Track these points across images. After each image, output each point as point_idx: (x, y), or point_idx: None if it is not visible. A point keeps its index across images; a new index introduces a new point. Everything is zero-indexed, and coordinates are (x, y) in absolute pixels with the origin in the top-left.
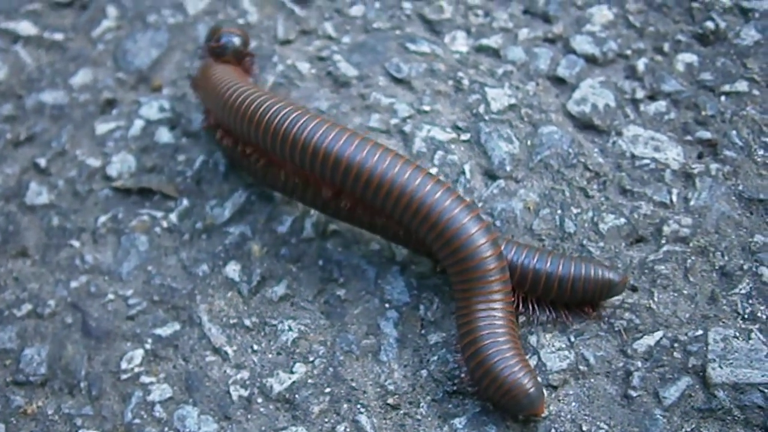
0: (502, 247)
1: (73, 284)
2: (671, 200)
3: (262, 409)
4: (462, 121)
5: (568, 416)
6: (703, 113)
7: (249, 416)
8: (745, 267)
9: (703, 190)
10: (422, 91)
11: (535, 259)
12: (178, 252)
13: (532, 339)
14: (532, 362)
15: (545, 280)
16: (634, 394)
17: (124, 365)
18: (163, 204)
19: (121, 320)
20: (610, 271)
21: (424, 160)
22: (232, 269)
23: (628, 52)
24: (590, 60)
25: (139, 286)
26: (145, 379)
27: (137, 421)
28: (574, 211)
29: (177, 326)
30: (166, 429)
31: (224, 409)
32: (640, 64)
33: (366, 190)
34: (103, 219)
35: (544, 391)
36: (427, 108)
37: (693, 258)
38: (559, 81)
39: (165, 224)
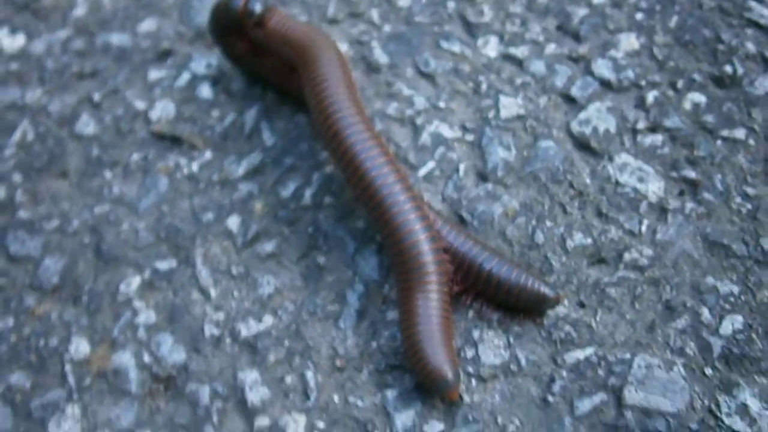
0: (460, 240)
1: (97, 210)
2: (640, 230)
3: (228, 349)
4: (471, 122)
5: (488, 407)
6: (695, 153)
7: (215, 353)
8: (689, 304)
9: (672, 226)
10: (443, 88)
11: (482, 258)
12: (192, 198)
13: (476, 333)
14: (470, 353)
15: (486, 279)
16: (551, 399)
17: (122, 288)
18: (189, 153)
19: (129, 249)
20: (546, 287)
21: (425, 153)
22: (233, 221)
23: (643, 82)
24: (605, 84)
25: (152, 221)
26: (136, 303)
27: (121, 338)
28: (548, 224)
29: (174, 263)
30: (143, 349)
31: (196, 343)
32: (650, 96)
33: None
34: (135, 157)
35: (473, 380)
36: (442, 105)
37: (644, 287)
38: (569, 99)
39: (186, 171)
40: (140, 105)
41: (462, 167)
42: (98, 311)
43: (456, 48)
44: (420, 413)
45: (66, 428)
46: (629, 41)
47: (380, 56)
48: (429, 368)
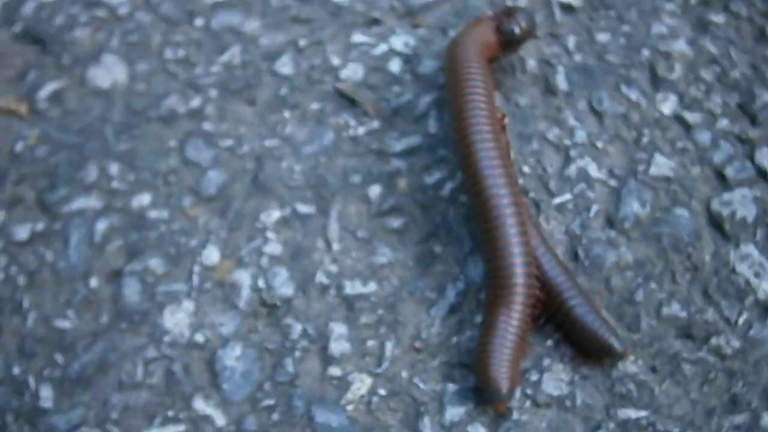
0: (556, 270)
1: (267, 142)
2: (736, 321)
3: (329, 299)
4: (619, 169)
5: (532, 430)
6: None
7: (318, 299)
8: (753, 405)
9: None
10: (606, 129)
11: (568, 294)
12: (348, 158)
13: (546, 361)
14: (534, 377)
15: (564, 313)
16: None
17: (263, 217)
18: (360, 117)
19: (281, 185)
20: (616, 340)
21: (566, 184)
22: (375, 190)
23: None
24: (761, 173)
25: (307, 167)
26: (269, 234)
27: (247, 259)
28: (653, 286)
29: (313, 209)
30: (261, 275)
31: (305, 285)
32: None
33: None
34: (315, 106)
35: (527, 402)
36: (600, 144)
37: (718, 374)
38: (721, 177)
39: (352, 133)
40: (335, 61)
41: (594, 208)
42: (237, 230)
43: (634, 95)
44: (470, 413)
45: (177, 318)
46: None
47: (561, 82)
48: (488, 376)
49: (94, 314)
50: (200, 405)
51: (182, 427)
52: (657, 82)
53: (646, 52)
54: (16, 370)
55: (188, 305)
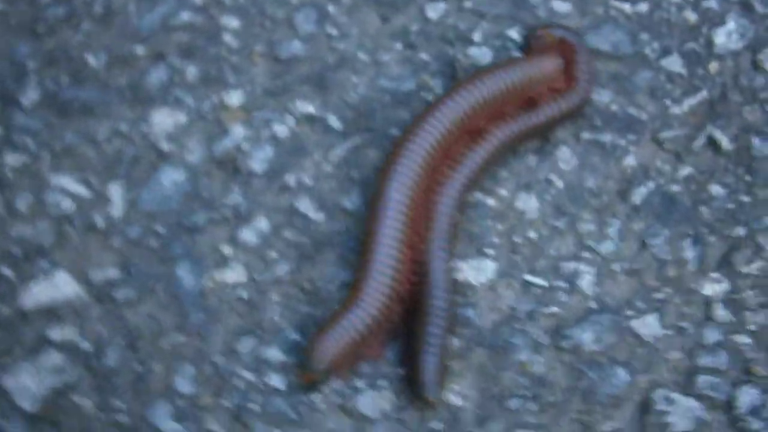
0: (440, 293)
1: (360, 54)
2: None
3: (280, 198)
4: (612, 300)
5: (314, 421)
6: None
7: (273, 192)
8: None
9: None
10: (633, 260)
11: (435, 321)
12: (404, 111)
13: (382, 382)
14: (359, 385)
15: (418, 330)
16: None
17: (298, 104)
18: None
19: (336, 92)
20: (433, 384)
21: (554, 234)
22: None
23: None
24: (729, 406)
25: (369, 96)
26: (289, 120)
27: (255, 122)
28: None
29: (341, 128)
30: (252, 141)
31: (274, 176)
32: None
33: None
34: (425, 57)
35: (333, 397)
36: (614, 267)
37: None
38: (689, 377)
39: (429, 97)
40: (475, 36)
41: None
42: (270, 96)
43: (689, 255)
44: (287, 351)
45: (164, 121)
46: None
47: (638, 196)
48: (314, 345)
49: (118, 73)
50: (116, 190)
51: (90, 196)
52: (725, 263)
53: (741, 231)
54: (30, 64)
55: (181, 118)
